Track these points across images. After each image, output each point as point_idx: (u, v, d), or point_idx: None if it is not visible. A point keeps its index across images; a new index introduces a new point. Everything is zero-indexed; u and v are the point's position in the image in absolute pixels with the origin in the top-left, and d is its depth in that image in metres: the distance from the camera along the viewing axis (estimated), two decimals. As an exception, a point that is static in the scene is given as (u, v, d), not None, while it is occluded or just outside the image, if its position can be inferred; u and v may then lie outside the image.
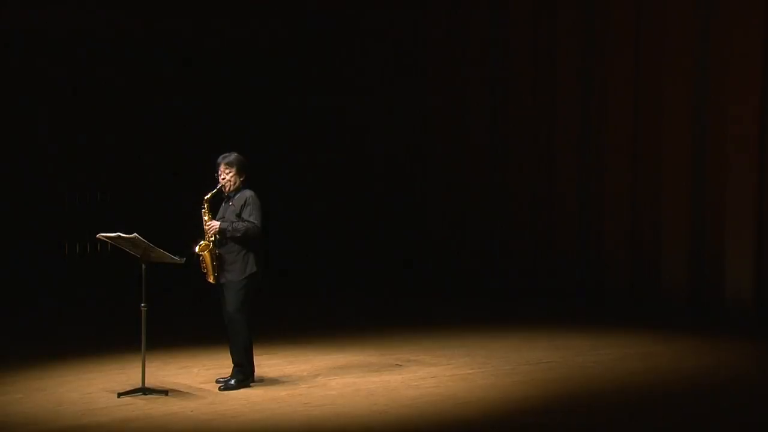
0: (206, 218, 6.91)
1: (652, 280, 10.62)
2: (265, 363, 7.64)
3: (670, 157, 10.48)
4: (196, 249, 6.85)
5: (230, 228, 6.85)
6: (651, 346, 8.49)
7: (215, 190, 6.93)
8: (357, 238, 13.07)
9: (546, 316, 10.18)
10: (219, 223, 6.89)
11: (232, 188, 6.95)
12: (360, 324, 9.74)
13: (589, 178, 11.16)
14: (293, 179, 13.42)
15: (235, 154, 7.01)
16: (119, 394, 6.77)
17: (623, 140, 10.86)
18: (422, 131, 12.57)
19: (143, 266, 6.80)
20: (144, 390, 6.80)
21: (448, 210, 12.36)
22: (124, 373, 7.44)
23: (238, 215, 6.89)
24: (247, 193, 6.94)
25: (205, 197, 6.90)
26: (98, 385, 7.12)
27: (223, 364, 7.37)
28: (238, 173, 6.94)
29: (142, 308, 6.79)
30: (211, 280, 6.94)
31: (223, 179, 6.93)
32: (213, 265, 6.87)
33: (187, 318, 10.04)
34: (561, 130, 11.37)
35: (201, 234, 6.92)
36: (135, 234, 6.80)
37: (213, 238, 6.88)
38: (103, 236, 6.91)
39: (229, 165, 6.94)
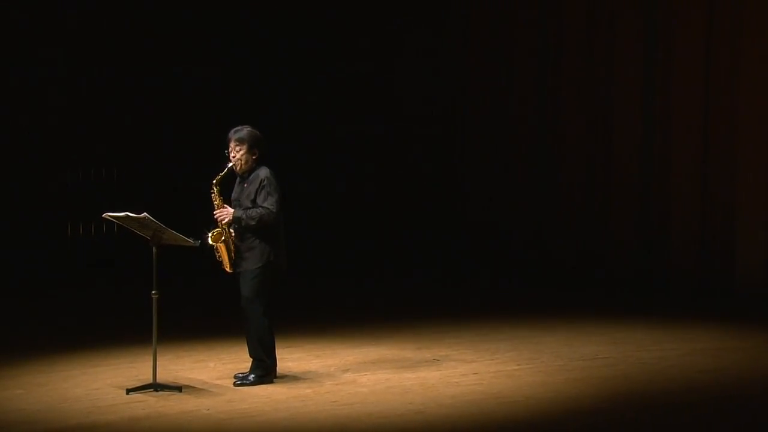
0: (217, 203, 6.96)
1: (723, 267, 10.54)
2: (288, 357, 7.72)
3: (745, 130, 10.36)
4: (209, 239, 6.90)
5: (244, 216, 6.89)
6: (722, 342, 8.44)
7: (225, 170, 6.93)
8: (390, 220, 13.09)
9: (602, 306, 10.15)
10: (233, 210, 6.93)
11: (244, 167, 6.98)
12: (394, 314, 9.79)
13: (652, 152, 11.07)
14: (325, 156, 13.47)
15: (248, 128, 7.01)
16: (128, 390, 6.88)
17: (692, 112, 10.74)
18: (462, 100, 12.54)
19: (154, 249, 6.89)
20: (155, 386, 6.91)
21: (491, 187, 12.33)
22: (134, 368, 7.56)
23: (254, 201, 6.93)
24: (262, 174, 6.95)
25: (214, 180, 6.92)
26: (105, 380, 7.24)
27: (242, 358, 7.45)
28: (250, 150, 6.95)
29: (153, 296, 6.89)
30: (228, 269, 7.02)
31: (234, 157, 6.95)
32: (229, 254, 6.94)
33: (202, 307, 10.15)
34: (621, 97, 11.27)
35: (213, 219, 6.97)
36: (145, 213, 6.89)
37: (227, 228, 6.92)
38: (109, 216, 7.01)
39: (240, 141, 6.94)
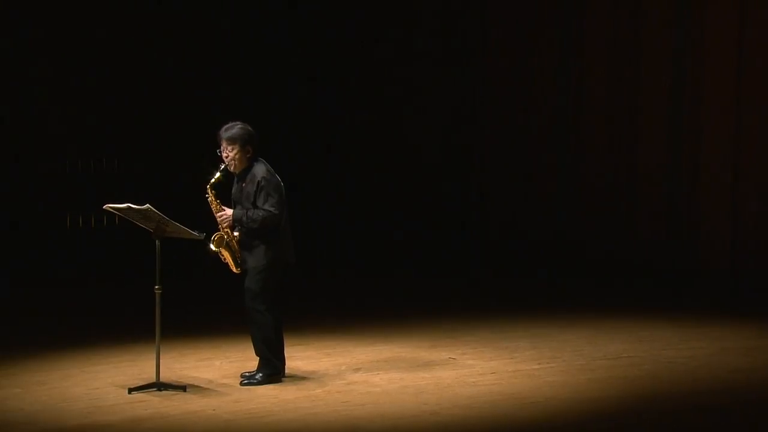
0: (214, 206, 6.98)
1: (755, 262, 10.50)
2: (297, 355, 7.74)
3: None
4: (211, 245, 6.92)
5: (245, 218, 6.91)
6: (755, 340, 8.43)
7: (219, 173, 6.93)
8: (406, 212, 13.09)
9: (627, 303, 10.13)
10: (232, 211, 6.95)
11: (239, 166, 6.97)
12: (408, 312, 9.79)
13: (680, 147, 11.02)
14: (337, 150, 13.48)
15: (239, 124, 6.99)
16: (130, 390, 6.91)
17: (722, 101, 10.70)
18: (479, 97, 12.52)
19: (157, 242, 6.91)
20: (159, 385, 6.94)
21: (512, 184, 12.30)
22: (136, 366, 7.59)
23: (254, 203, 6.93)
24: (259, 173, 6.94)
25: (209, 183, 6.91)
26: (106, 380, 7.27)
27: (248, 356, 7.47)
28: (243, 149, 6.93)
29: (156, 291, 6.92)
30: (235, 270, 7.04)
31: (227, 157, 6.95)
32: (234, 257, 6.96)
33: (208, 302, 10.17)
34: (648, 89, 11.22)
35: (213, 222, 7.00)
36: (147, 205, 6.91)
37: (229, 230, 6.94)
38: (110, 207, 7.03)
39: (231, 141, 6.93)
